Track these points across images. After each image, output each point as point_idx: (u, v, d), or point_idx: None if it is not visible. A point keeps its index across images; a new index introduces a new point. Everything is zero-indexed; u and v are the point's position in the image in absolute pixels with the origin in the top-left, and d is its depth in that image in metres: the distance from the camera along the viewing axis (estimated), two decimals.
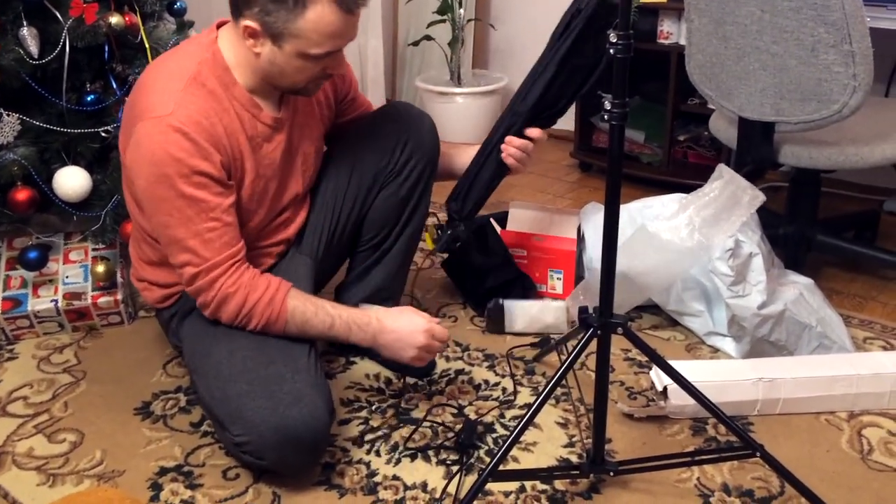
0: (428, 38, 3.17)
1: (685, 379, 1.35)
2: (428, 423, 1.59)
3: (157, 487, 1.43)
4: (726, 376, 1.59)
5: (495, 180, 1.73)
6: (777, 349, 1.73)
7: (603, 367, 1.31)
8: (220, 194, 1.40)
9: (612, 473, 1.35)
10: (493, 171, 1.71)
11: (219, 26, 1.47)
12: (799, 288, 1.78)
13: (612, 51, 1.13)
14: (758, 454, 1.31)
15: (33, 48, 1.78)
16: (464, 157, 1.77)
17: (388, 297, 1.76)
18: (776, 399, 1.58)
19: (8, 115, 1.77)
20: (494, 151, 1.70)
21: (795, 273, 1.88)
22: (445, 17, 3.13)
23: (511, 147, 1.68)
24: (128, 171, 1.43)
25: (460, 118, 3.19)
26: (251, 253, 1.51)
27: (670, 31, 2.64)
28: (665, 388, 1.57)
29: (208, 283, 1.41)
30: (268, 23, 1.34)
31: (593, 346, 1.31)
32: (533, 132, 1.68)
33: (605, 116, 1.17)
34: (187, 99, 1.37)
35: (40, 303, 1.87)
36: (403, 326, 1.49)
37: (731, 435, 1.53)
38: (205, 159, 1.36)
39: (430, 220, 1.78)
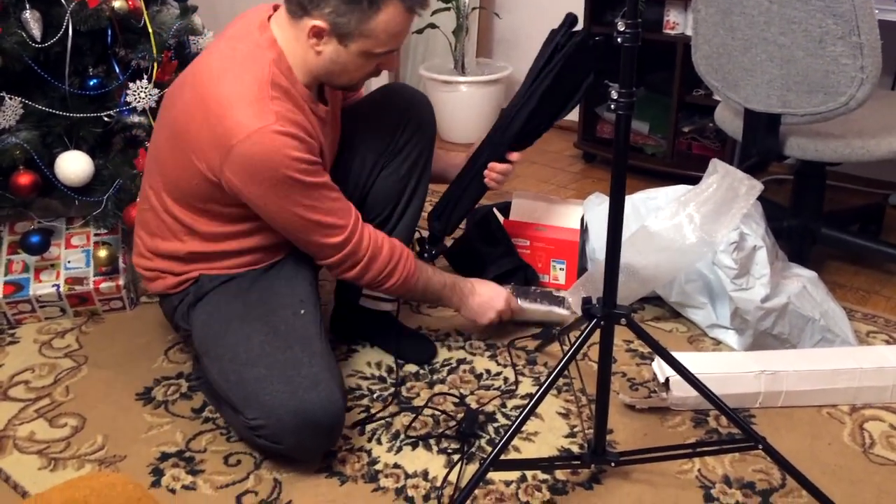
0: (432, 26, 3.16)
1: (688, 370, 1.34)
2: (429, 412, 1.59)
3: (158, 473, 1.43)
4: (729, 368, 1.59)
5: (476, 200, 1.87)
6: (780, 342, 1.72)
7: (605, 358, 1.30)
8: (324, 173, 1.47)
9: (613, 464, 1.35)
10: (475, 193, 1.84)
11: (268, 18, 1.46)
12: (802, 281, 1.77)
13: (619, 40, 1.12)
14: (760, 446, 1.31)
15: (36, 31, 1.77)
16: (456, 161, 1.86)
17: None
18: (778, 392, 1.58)
19: (10, 98, 1.77)
20: (477, 177, 1.81)
21: (799, 266, 1.87)
22: (450, 5, 3.11)
23: (493, 172, 1.80)
24: (238, 189, 1.39)
25: (464, 107, 3.18)
26: (281, 240, 1.53)
27: (676, 22, 2.63)
28: (667, 380, 1.56)
29: (356, 242, 1.49)
30: (339, 24, 1.36)
31: (595, 336, 1.31)
32: (513, 156, 1.81)
33: (612, 106, 1.16)
34: (275, 103, 1.37)
35: (42, 287, 1.86)
36: (490, 293, 1.72)
37: (732, 427, 1.53)
38: (310, 152, 1.41)
39: (415, 235, 1.82)
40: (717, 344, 1.82)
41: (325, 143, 1.54)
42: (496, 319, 1.72)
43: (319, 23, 1.36)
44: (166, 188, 1.51)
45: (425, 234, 1.86)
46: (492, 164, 1.79)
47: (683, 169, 2.69)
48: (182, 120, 1.43)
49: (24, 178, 1.79)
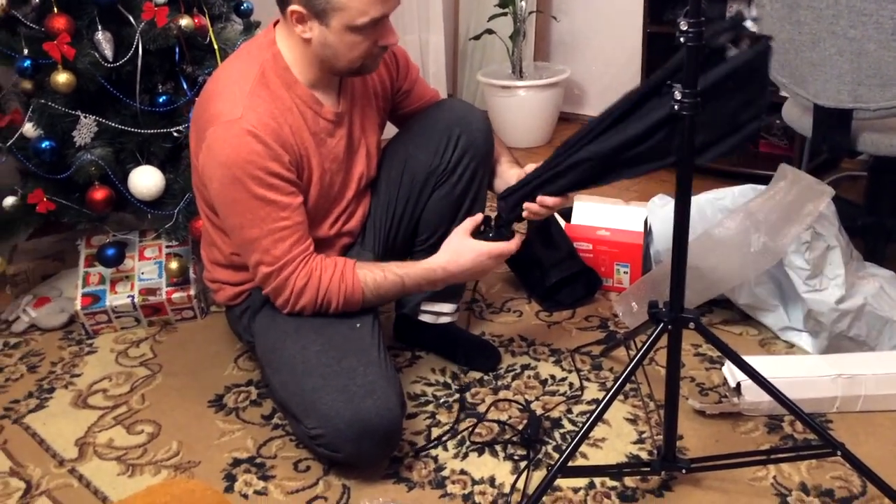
0: (489, 31, 3.16)
1: (760, 375, 1.31)
2: (493, 417, 1.58)
3: (231, 478, 1.46)
4: (803, 372, 1.54)
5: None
6: (857, 345, 1.66)
7: (674, 363, 1.28)
8: (290, 194, 1.43)
9: (683, 471, 1.33)
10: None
11: (275, 24, 1.49)
12: (879, 281, 1.71)
13: (682, 39, 1.10)
14: (838, 452, 1.27)
15: (108, 51, 1.84)
16: (505, 177, 1.66)
17: (451, 293, 1.76)
18: (857, 396, 1.52)
19: (85, 117, 1.84)
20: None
21: (875, 265, 1.81)
22: (507, 9, 3.11)
23: (536, 206, 1.47)
24: (201, 175, 1.47)
25: (522, 111, 3.17)
26: (318, 247, 1.53)
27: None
28: (738, 385, 1.53)
29: (282, 281, 1.45)
30: (311, 2, 1.36)
31: (662, 341, 1.29)
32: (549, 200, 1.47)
33: (676, 107, 1.14)
34: (254, 102, 1.40)
35: (117, 298, 1.93)
36: (467, 264, 1.51)
37: (808, 433, 1.49)
38: (275, 160, 1.39)
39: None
40: (790, 347, 1.77)
41: (332, 148, 1.51)
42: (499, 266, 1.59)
43: (296, 7, 1.37)
44: (199, 193, 1.55)
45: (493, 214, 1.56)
46: (541, 198, 1.45)
47: (750, 168, 2.63)
48: (193, 116, 1.51)
49: (100, 194, 1.86)
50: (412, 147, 1.65)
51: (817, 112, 1.87)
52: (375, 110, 1.64)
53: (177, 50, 1.92)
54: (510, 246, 1.51)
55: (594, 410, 1.29)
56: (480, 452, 1.50)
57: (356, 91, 1.58)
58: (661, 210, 2.01)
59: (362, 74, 1.52)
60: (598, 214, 2.08)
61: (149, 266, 1.99)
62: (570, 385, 1.68)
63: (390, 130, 1.74)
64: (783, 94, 1.99)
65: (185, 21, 1.89)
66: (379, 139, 1.67)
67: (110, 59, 1.84)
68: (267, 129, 1.38)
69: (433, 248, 1.69)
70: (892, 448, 1.45)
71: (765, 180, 1.81)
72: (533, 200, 1.47)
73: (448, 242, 1.54)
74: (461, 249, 1.51)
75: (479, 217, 1.55)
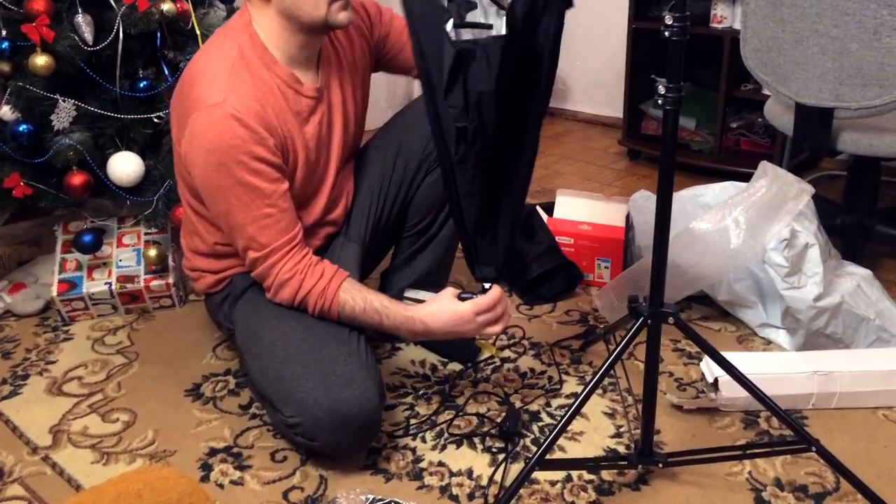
0: None
1: (738, 371, 1.32)
2: (473, 410, 1.58)
3: (207, 468, 1.45)
4: (780, 369, 1.55)
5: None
6: (833, 342, 1.68)
7: (653, 358, 1.29)
8: (275, 181, 1.41)
9: (660, 465, 1.33)
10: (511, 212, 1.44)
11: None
12: (857, 279, 1.73)
13: (666, 33, 1.11)
14: (813, 448, 1.28)
15: (88, 35, 1.81)
16: None
17: (434, 282, 1.75)
18: (832, 393, 1.54)
19: (64, 101, 1.81)
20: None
21: (853, 264, 1.82)
22: None
23: None
24: (184, 162, 1.45)
25: None
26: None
27: (724, 15, 2.58)
28: (716, 380, 1.54)
29: (267, 268, 1.44)
30: None
31: (641, 335, 1.29)
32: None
33: (660, 101, 1.14)
34: (236, 84, 1.38)
35: (95, 285, 1.91)
36: (448, 324, 1.45)
37: (784, 428, 1.50)
38: (260, 144, 1.37)
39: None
40: (768, 344, 1.78)
41: (314, 126, 1.49)
42: (485, 331, 1.48)
43: None
44: (182, 181, 1.54)
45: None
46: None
47: (732, 165, 2.64)
48: (172, 103, 1.48)
49: (77, 179, 1.83)
50: (405, 133, 1.66)
51: (799, 110, 1.88)
52: (353, 83, 1.61)
53: (158, 35, 1.90)
54: (485, 298, 1.45)
55: (573, 404, 1.29)
56: (459, 444, 1.50)
57: (333, 66, 1.56)
58: (642, 206, 2.01)
59: (337, 27, 1.45)
60: (580, 209, 2.08)
61: (127, 253, 1.97)
62: (550, 379, 1.69)
63: (377, 121, 1.73)
64: (765, 92, 2.00)
65: (167, 5, 1.87)
66: (359, 112, 1.64)
67: (90, 43, 1.81)
68: (250, 112, 1.37)
69: (422, 234, 1.70)
70: (865, 444, 1.46)
71: (746, 178, 1.82)
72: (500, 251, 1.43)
73: (434, 298, 1.50)
74: (442, 307, 1.46)
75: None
